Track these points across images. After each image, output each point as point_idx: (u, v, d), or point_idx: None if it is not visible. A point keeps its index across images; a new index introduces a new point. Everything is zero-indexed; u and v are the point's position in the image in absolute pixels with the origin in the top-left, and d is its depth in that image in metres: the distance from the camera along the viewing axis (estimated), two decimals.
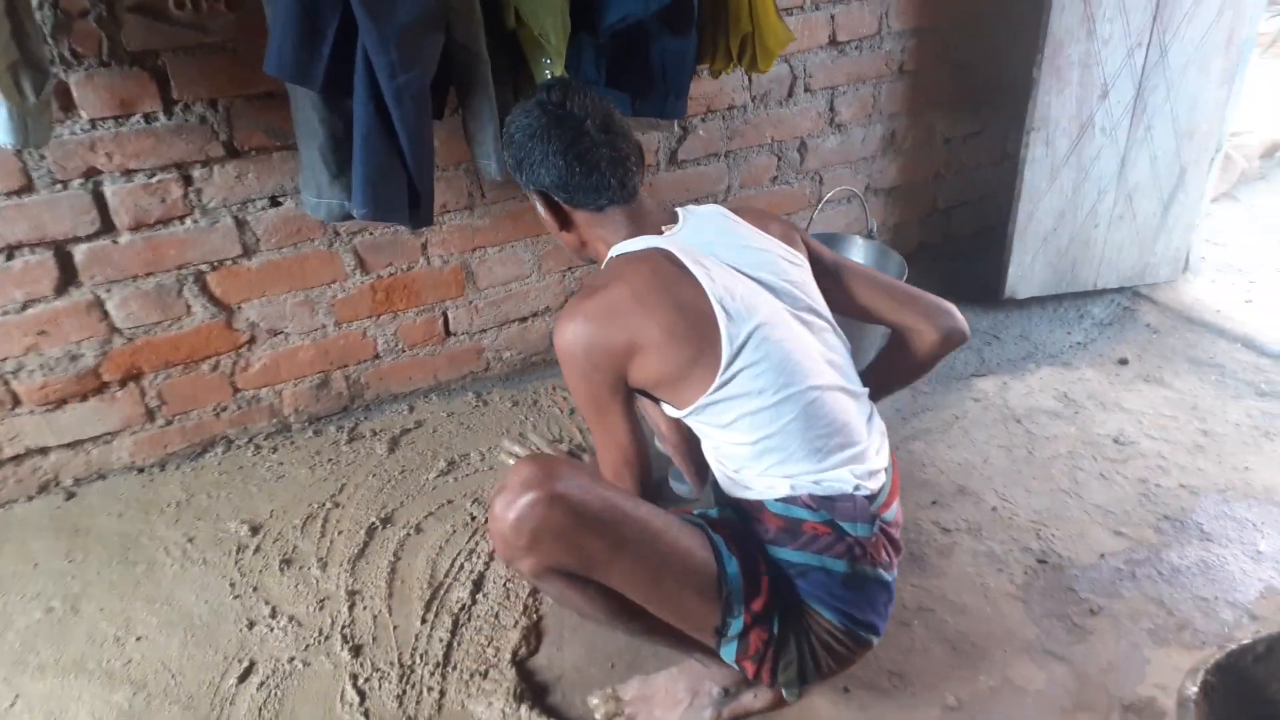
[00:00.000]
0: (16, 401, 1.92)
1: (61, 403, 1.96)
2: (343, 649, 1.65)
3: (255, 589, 1.80)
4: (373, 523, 1.96)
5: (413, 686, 1.58)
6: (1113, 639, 1.64)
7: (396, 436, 2.23)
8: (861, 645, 1.38)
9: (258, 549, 1.90)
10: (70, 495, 2.04)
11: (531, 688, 1.59)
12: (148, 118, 1.79)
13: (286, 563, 1.86)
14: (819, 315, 1.48)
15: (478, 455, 2.17)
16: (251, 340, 2.10)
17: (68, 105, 1.72)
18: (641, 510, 1.31)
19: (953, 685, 1.56)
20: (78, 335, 1.92)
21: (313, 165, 1.77)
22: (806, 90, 2.51)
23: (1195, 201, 2.64)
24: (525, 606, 1.74)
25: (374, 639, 1.68)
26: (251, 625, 1.71)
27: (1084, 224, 2.61)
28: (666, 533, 1.31)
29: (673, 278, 1.36)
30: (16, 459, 1.97)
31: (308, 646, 1.66)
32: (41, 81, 1.49)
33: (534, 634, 1.69)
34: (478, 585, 1.79)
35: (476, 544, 1.89)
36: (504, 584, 1.79)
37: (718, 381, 1.33)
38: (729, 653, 1.37)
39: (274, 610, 1.74)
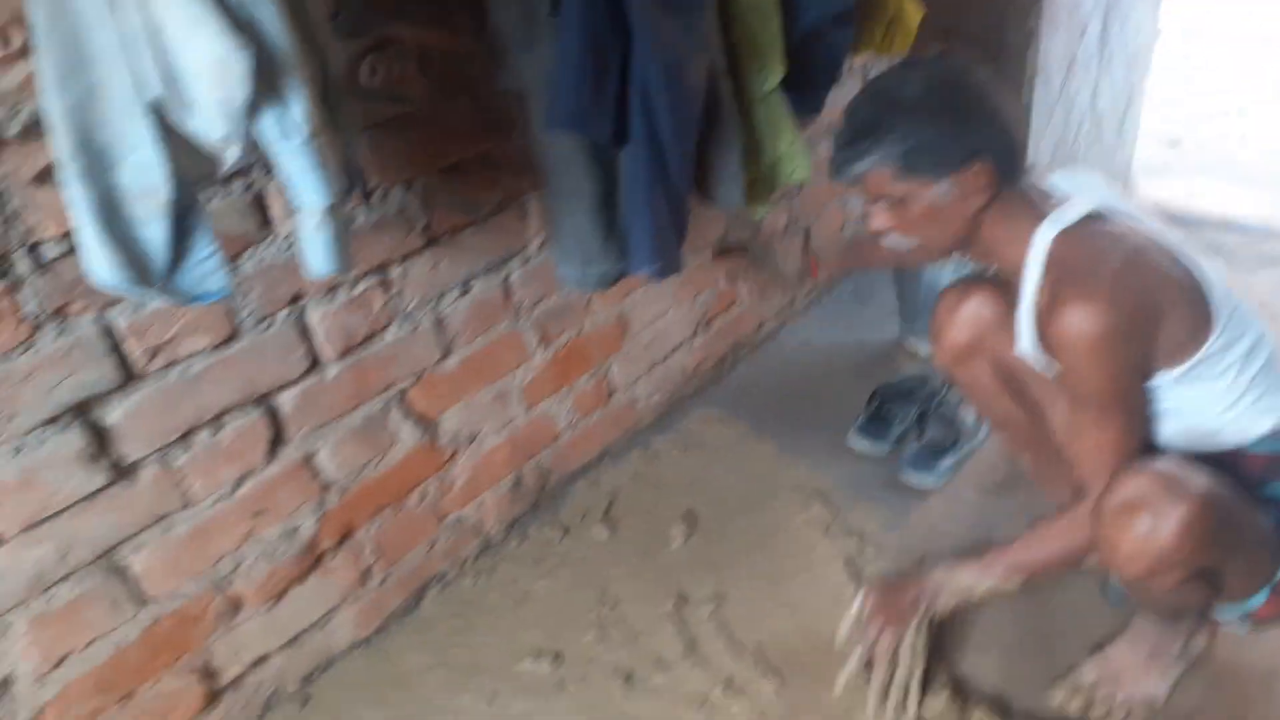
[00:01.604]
0: (238, 608, 1.49)
1: (283, 593, 1.55)
2: None
3: None
4: (667, 609, 1.75)
5: None
6: None
7: (605, 514, 1.99)
8: None
9: (582, 678, 1.63)
10: (305, 700, 1.62)
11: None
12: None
13: (628, 680, 1.62)
14: None
15: (704, 509, 2.00)
16: (454, 455, 1.77)
17: (264, 220, 1.36)
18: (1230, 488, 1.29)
19: None
20: (292, 504, 1.53)
21: (579, 232, 1.53)
22: None
23: (1137, 118, 3.00)
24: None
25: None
26: None
27: (1069, 153, 2.87)
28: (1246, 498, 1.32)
29: (1148, 239, 1.33)
30: (236, 681, 1.53)
31: None
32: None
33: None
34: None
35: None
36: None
37: (1216, 331, 1.30)
38: (1262, 597, 1.38)
39: None
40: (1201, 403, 1.36)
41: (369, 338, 1.55)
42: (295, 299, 1.42)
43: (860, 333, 2.58)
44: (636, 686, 1.62)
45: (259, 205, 1.33)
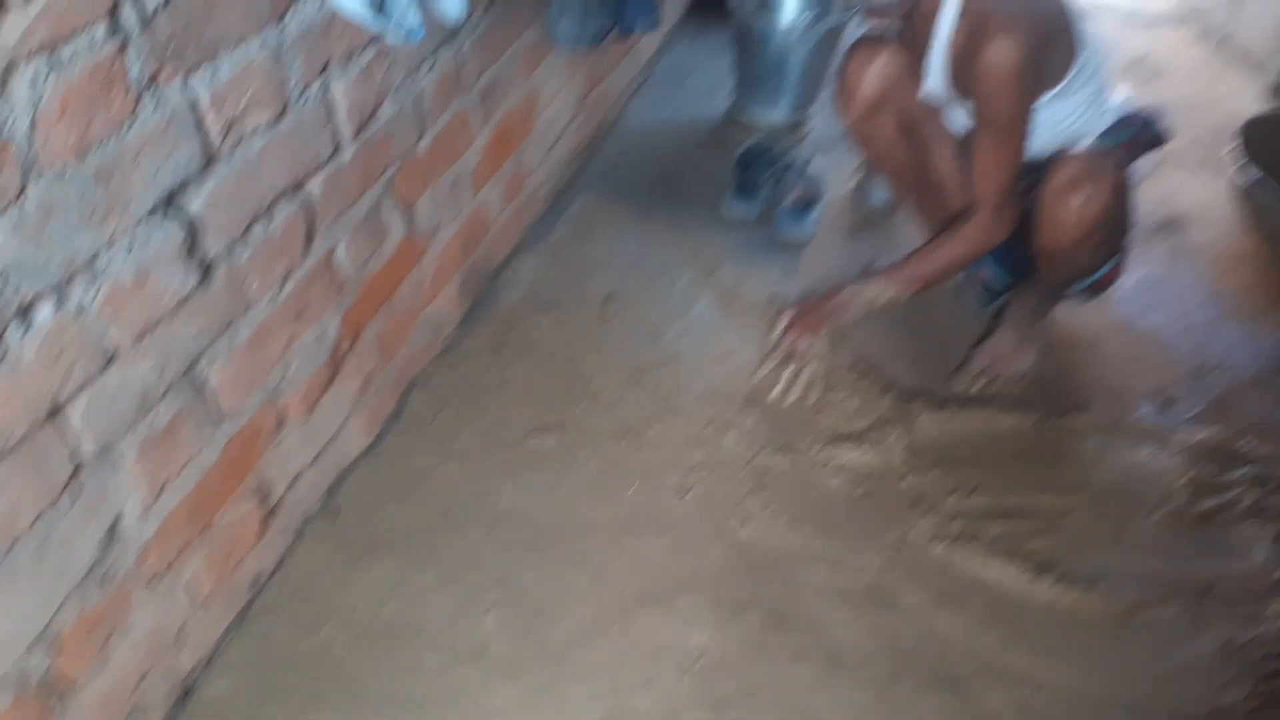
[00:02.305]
0: (283, 422, 1.38)
1: (316, 402, 1.46)
2: None
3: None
4: (630, 375, 1.88)
5: None
6: None
7: (538, 301, 2.02)
8: None
9: (586, 444, 1.74)
10: (335, 514, 1.56)
11: None
12: None
13: (626, 437, 1.75)
14: None
15: (622, 287, 2.10)
16: (426, 248, 1.70)
17: None
18: None
19: None
20: (322, 305, 1.42)
21: None
22: None
23: None
24: None
25: None
26: None
27: None
28: None
29: None
30: (279, 504, 1.43)
31: None
32: None
33: None
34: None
35: None
36: None
37: (1081, 55, 1.64)
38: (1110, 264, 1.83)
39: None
40: (1066, 115, 1.72)
41: (374, 114, 1.43)
42: (324, 68, 1.27)
43: (689, 111, 2.72)
44: (637, 441, 1.76)
45: None
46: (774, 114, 2.51)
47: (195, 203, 1.09)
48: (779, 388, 1.83)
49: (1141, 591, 1.49)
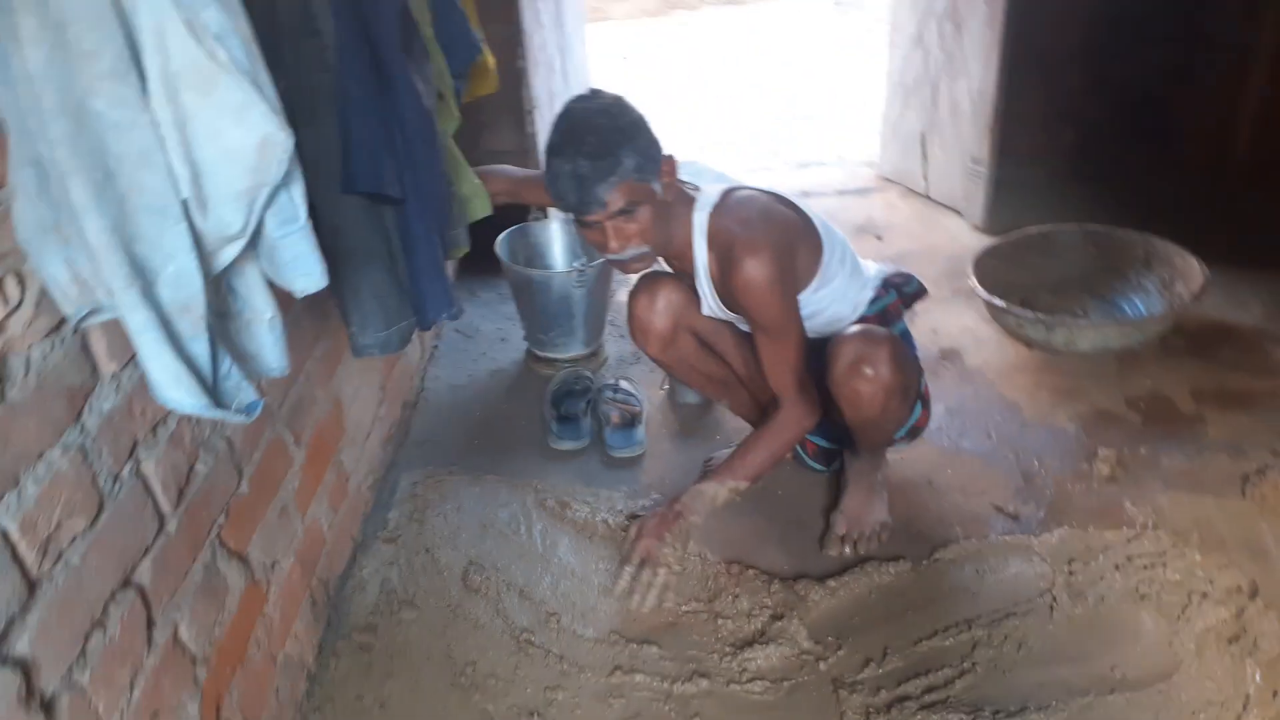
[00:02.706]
0: None
1: None
2: None
3: None
4: (508, 634, 1.79)
5: None
6: None
7: (395, 604, 1.90)
8: None
9: None
10: None
11: None
12: None
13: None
14: None
15: (478, 553, 2.02)
16: (268, 588, 1.57)
17: (93, 367, 1.13)
18: None
19: None
20: (176, 694, 1.27)
21: (380, 293, 1.54)
22: None
23: None
24: None
25: None
26: None
27: None
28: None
29: (769, 197, 1.81)
30: None
31: None
32: None
33: None
34: None
35: None
36: None
37: (827, 248, 1.84)
38: (918, 410, 1.96)
39: None
40: (831, 299, 1.90)
41: (189, 476, 1.34)
42: (132, 450, 1.20)
43: (488, 363, 2.75)
44: (546, 717, 1.66)
45: (86, 350, 1.11)
46: (572, 348, 2.59)
47: (22, 641, 0.96)
48: (636, 596, 1.82)
49: (1067, 706, 1.54)
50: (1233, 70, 3.15)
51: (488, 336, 2.87)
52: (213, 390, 0.87)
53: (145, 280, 0.78)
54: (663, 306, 1.99)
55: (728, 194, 1.79)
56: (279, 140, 0.84)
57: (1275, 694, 1.51)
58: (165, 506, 1.27)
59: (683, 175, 1.82)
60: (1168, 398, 2.31)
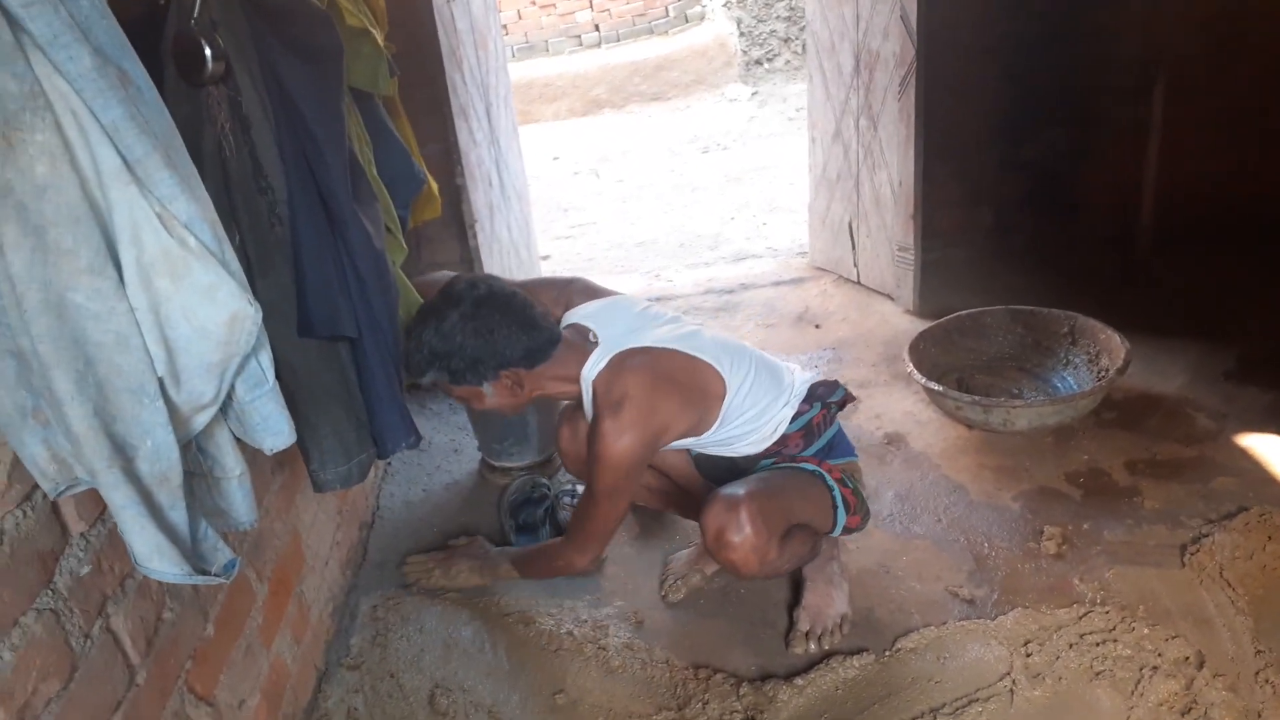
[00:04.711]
0: None
1: None
2: None
3: None
4: None
5: None
6: None
7: None
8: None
9: None
10: None
11: None
12: None
13: None
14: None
15: (443, 675, 2.01)
16: None
17: (63, 529, 1.15)
18: None
19: None
20: None
21: (338, 429, 1.57)
22: None
23: (534, 242, 3.70)
24: None
25: None
26: None
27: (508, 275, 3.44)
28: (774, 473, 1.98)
29: (660, 359, 1.85)
30: None
31: None
32: None
33: None
34: None
35: None
36: None
37: (729, 383, 1.88)
38: (842, 519, 1.99)
39: None
40: (742, 430, 1.95)
41: (157, 626, 1.34)
42: (102, 606, 1.20)
43: (442, 477, 2.77)
44: None
45: (56, 513, 1.12)
46: (526, 455, 2.63)
47: None
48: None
49: None
50: (1130, 146, 3.36)
51: (441, 449, 2.89)
52: (191, 554, 0.89)
53: (125, 458, 0.82)
54: (584, 431, 2.01)
55: (620, 359, 1.83)
56: (248, 314, 0.89)
57: None
58: (135, 658, 1.27)
59: (595, 319, 1.91)
60: (1104, 470, 2.41)
